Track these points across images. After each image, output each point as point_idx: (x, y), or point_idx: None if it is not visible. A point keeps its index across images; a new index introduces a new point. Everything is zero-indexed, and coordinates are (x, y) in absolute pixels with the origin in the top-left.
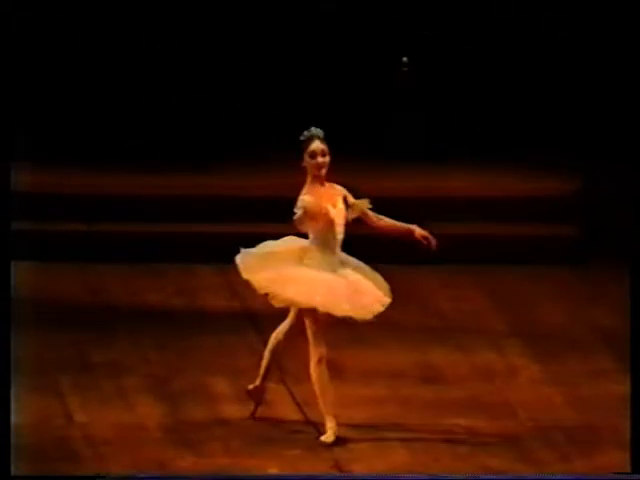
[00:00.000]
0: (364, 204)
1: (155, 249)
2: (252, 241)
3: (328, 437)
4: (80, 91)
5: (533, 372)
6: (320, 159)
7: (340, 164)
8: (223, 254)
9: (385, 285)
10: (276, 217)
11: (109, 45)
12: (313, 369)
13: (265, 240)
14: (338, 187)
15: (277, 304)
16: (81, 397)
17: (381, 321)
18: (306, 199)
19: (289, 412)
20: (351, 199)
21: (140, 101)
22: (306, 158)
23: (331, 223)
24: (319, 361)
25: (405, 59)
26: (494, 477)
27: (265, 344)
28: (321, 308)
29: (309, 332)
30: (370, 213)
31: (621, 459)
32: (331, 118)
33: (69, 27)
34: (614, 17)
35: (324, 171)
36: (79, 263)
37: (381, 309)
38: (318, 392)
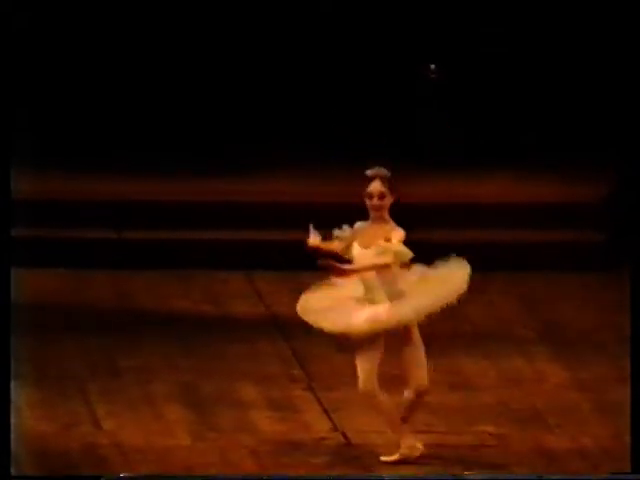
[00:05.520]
0: (402, 256)
1: (182, 256)
2: (279, 248)
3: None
4: (93, 96)
5: (561, 378)
6: (376, 201)
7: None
8: (250, 261)
9: (428, 305)
10: (305, 224)
11: (115, 49)
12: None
13: (291, 247)
14: (389, 227)
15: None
16: (109, 404)
17: None
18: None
19: (317, 419)
20: (388, 244)
21: (159, 106)
22: (364, 197)
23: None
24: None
25: (433, 66)
26: (494, 477)
27: (293, 351)
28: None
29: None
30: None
31: None
32: (365, 122)
33: (71, 32)
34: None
35: (380, 213)
36: (108, 270)
37: (344, 330)
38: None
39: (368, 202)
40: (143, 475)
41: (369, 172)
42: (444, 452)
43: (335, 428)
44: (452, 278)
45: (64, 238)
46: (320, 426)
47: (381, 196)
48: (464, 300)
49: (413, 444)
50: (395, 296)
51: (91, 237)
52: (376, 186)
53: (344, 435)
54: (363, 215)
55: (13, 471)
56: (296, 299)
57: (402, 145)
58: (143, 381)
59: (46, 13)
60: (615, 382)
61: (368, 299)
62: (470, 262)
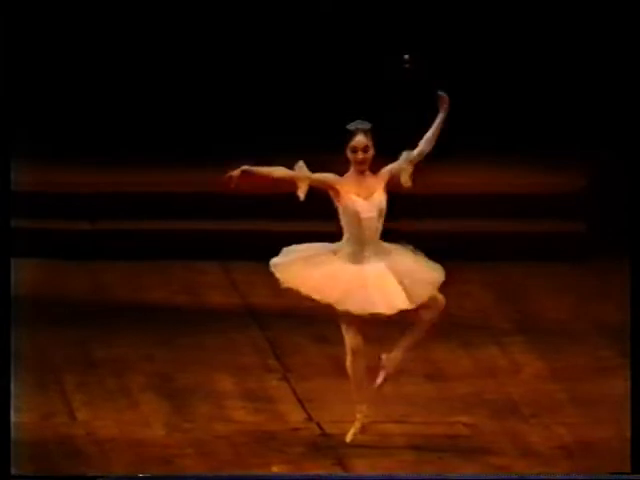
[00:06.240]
0: (406, 158)
1: (158, 246)
2: (255, 238)
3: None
4: (80, 88)
5: (537, 368)
6: (361, 155)
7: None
8: (227, 251)
9: (426, 286)
10: (283, 214)
11: (111, 44)
12: (347, 361)
13: (268, 237)
14: (382, 172)
15: (281, 286)
16: (84, 395)
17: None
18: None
19: (292, 409)
20: (396, 167)
21: (140, 98)
22: (347, 151)
23: (357, 216)
24: (352, 354)
25: (407, 56)
26: (493, 477)
27: (268, 341)
28: (305, 292)
29: (342, 324)
30: (416, 154)
31: (625, 456)
32: (333, 114)
33: (68, 28)
34: (618, 12)
35: (365, 166)
36: (83, 261)
37: (384, 312)
38: (352, 386)
39: (352, 156)
40: (143, 475)
41: (351, 125)
42: (419, 442)
43: (310, 418)
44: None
45: (37, 229)
46: (295, 416)
47: (365, 149)
48: (441, 290)
49: (367, 413)
50: (367, 259)
51: (65, 228)
52: (360, 139)
53: (319, 425)
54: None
55: (13, 470)
56: (272, 289)
57: (379, 135)
58: (119, 372)
59: (41, 6)
60: (591, 372)
61: (355, 256)
62: (447, 251)
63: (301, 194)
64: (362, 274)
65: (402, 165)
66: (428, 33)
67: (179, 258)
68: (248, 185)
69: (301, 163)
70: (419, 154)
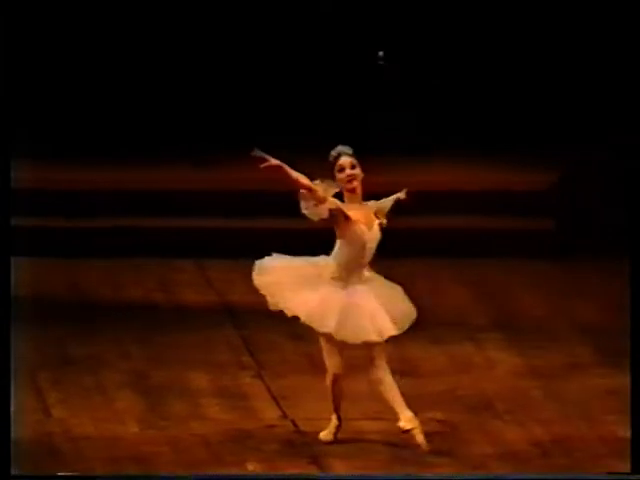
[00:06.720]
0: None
1: (134, 244)
2: (231, 236)
3: (325, 435)
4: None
5: (511, 365)
6: (349, 171)
7: (322, 159)
8: (203, 249)
9: (406, 316)
10: (258, 211)
11: (110, 44)
12: (327, 383)
13: (243, 235)
14: (369, 204)
15: (271, 307)
16: (60, 392)
17: None
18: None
19: (266, 407)
20: (381, 210)
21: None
22: (336, 175)
23: (362, 245)
24: (333, 376)
25: (381, 53)
26: (492, 477)
27: (243, 338)
28: (304, 319)
29: (322, 346)
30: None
31: (601, 453)
32: (311, 114)
33: (67, 29)
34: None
35: (356, 183)
36: (59, 258)
37: (375, 339)
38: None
39: (340, 176)
40: (142, 475)
41: (333, 152)
42: (394, 439)
43: (285, 416)
44: (399, 317)
45: (13, 227)
46: (270, 414)
47: (352, 166)
48: (415, 287)
49: (337, 423)
50: (355, 284)
51: (41, 225)
52: (346, 159)
53: (293, 423)
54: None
55: (13, 470)
56: (248, 287)
57: (352, 133)
58: (94, 370)
59: (41, 6)
60: (566, 369)
61: (342, 280)
62: (422, 248)
63: (325, 213)
64: (352, 301)
65: (385, 204)
66: (403, 33)
67: (155, 256)
68: (273, 174)
69: (318, 181)
70: (387, 208)
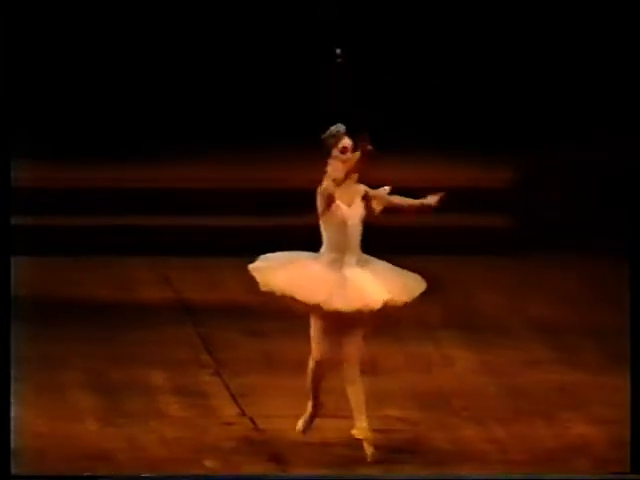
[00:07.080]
0: (384, 193)
1: (91, 242)
2: (188, 234)
3: (299, 425)
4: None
5: (468, 362)
6: (350, 154)
7: (286, 157)
8: (159, 246)
9: (407, 287)
10: (217, 210)
11: (109, 43)
12: (308, 369)
13: (202, 233)
14: (359, 185)
15: (261, 287)
16: (16, 391)
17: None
18: (329, 185)
19: (225, 404)
20: (372, 192)
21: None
22: (336, 154)
23: (343, 223)
24: (316, 363)
25: (339, 51)
26: (491, 477)
27: (201, 336)
28: (294, 294)
29: (312, 327)
30: (394, 199)
31: (560, 449)
32: (278, 110)
33: (67, 29)
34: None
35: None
36: (17, 256)
37: (369, 306)
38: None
39: (344, 157)
40: (141, 475)
41: (334, 129)
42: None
43: (243, 413)
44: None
45: (13, 226)
46: (228, 411)
47: (353, 149)
48: None
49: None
50: (346, 265)
51: (41, 224)
52: (348, 140)
53: (252, 420)
54: (274, 197)
55: (13, 470)
56: (205, 285)
57: (316, 132)
58: (52, 368)
59: (41, 6)
60: (522, 366)
61: (336, 262)
62: (380, 245)
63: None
64: (344, 276)
65: (380, 193)
66: (367, 30)
67: (111, 254)
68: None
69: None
70: (389, 201)
